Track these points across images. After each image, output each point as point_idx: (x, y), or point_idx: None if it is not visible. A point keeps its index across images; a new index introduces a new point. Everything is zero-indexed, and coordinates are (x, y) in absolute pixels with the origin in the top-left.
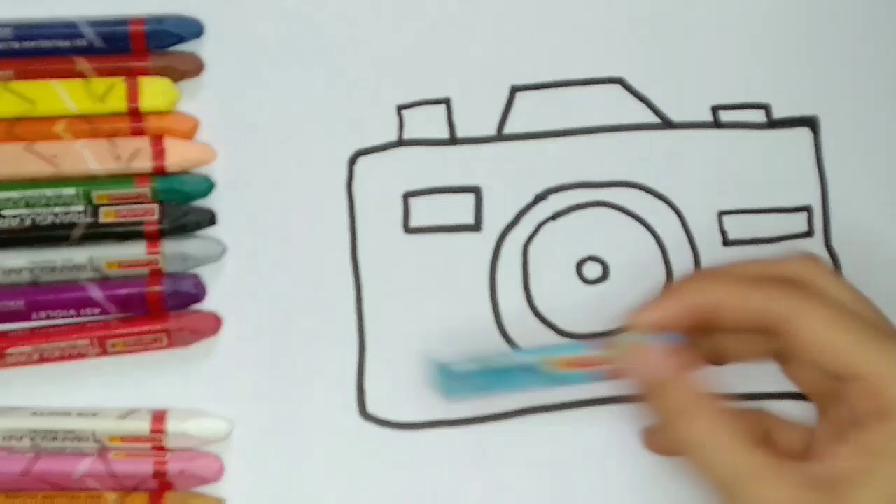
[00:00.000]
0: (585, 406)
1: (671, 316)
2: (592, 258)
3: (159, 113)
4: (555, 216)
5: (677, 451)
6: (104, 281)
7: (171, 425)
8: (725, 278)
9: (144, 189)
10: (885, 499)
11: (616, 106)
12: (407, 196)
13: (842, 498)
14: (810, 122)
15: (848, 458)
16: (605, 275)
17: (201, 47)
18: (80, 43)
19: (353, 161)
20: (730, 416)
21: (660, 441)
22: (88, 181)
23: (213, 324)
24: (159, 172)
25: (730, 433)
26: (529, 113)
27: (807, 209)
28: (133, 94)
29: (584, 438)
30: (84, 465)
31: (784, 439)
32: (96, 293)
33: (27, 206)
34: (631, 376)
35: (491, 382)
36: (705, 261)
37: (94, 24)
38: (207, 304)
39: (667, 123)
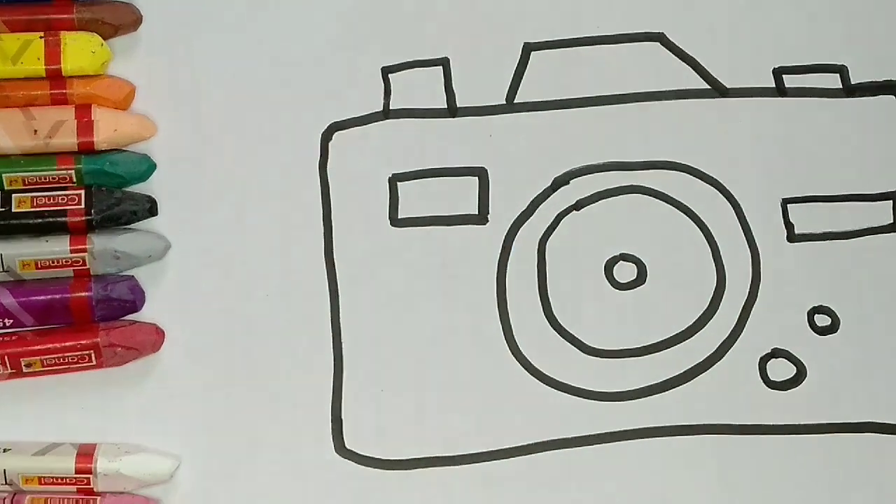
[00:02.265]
0: (612, 440)
1: None
2: (625, 257)
3: (86, 77)
4: (578, 205)
5: None
6: (17, 284)
7: (101, 463)
8: None
9: (68, 171)
10: None
11: (655, 68)
12: (394, 180)
13: None
14: None
15: None
16: (641, 277)
17: None
18: None
19: (327, 137)
20: None
21: None
22: None
23: (153, 338)
24: (86, 150)
25: None
26: (547, 77)
27: (892, 196)
28: (53, 54)
29: (607, 477)
30: None
31: None
32: (7, 299)
33: None
34: None
35: None
36: (767, 261)
37: None
38: (146, 314)
39: (718, 90)
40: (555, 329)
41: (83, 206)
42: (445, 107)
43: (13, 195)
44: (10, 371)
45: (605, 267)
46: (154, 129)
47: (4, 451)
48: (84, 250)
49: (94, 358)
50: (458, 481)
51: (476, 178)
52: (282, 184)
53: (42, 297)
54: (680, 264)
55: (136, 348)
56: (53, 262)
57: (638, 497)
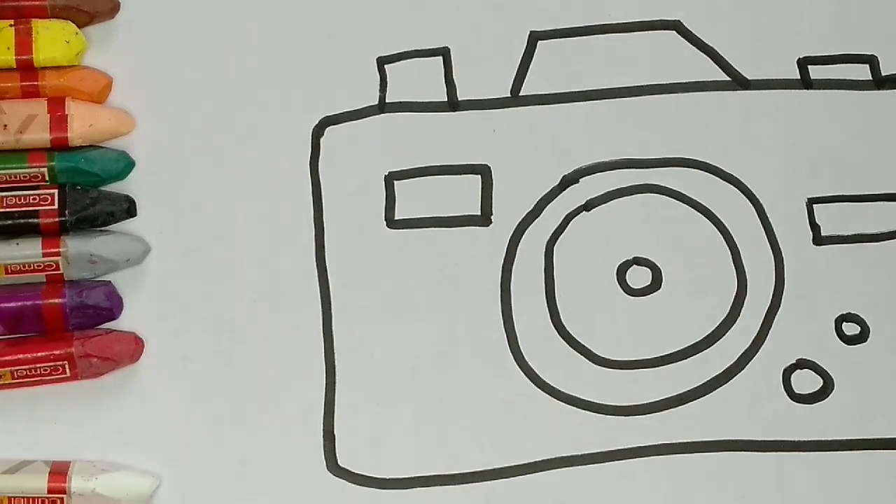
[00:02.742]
0: (625, 458)
1: None
2: (639, 261)
3: (60, 68)
4: (588, 206)
5: None
6: None
7: (76, 482)
8: None
9: (40, 169)
10: None
11: (671, 59)
12: (391, 179)
13: None
14: None
15: None
16: (655, 283)
17: None
18: None
19: (318, 132)
20: None
21: None
22: None
23: (130, 348)
24: (60, 147)
25: None
26: (554, 68)
27: None
28: (24, 44)
29: (619, 498)
30: None
31: None
32: None
33: None
34: None
35: None
36: (791, 265)
37: None
38: (124, 323)
39: (739, 82)
40: (563, 338)
41: (56, 206)
42: (446, 100)
43: None
44: None
45: (617, 271)
46: (132, 123)
47: None
48: (57, 254)
49: (68, 369)
50: (459, 501)
51: (479, 176)
52: (270, 182)
53: (12, 304)
54: (698, 269)
55: (114, 359)
56: (24, 267)
57: None
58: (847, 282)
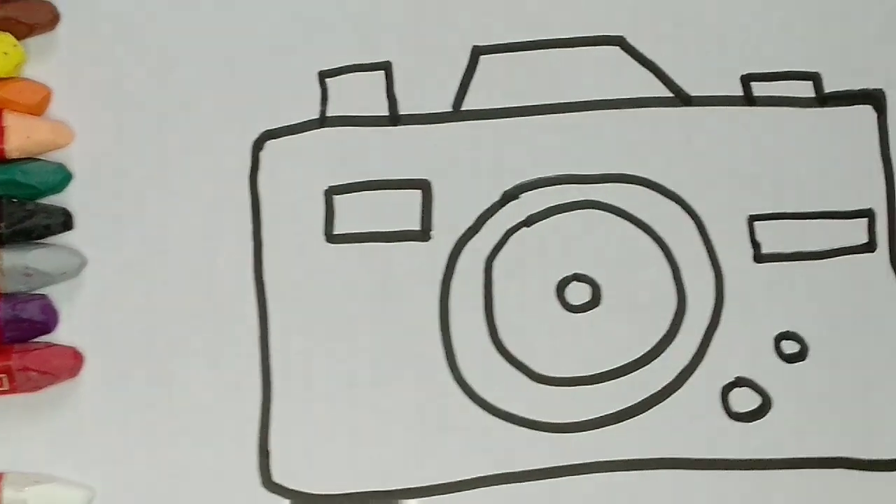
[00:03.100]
0: (562, 475)
1: None
2: (579, 277)
3: None
4: (529, 221)
5: None
6: None
7: (7, 494)
8: None
9: None
10: None
11: (614, 75)
12: (331, 193)
13: None
14: (873, 99)
15: None
16: (595, 299)
17: None
18: None
19: (258, 146)
20: None
21: None
22: None
23: (69, 362)
24: None
25: None
26: (497, 83)
27: (867, 214)
28: None
29: None
30: None
31: None
32: None
33: None
34: None
35: None
36: (731, 282)
37: None
38: (60, 337)
39: (682, 98)
40: (501, 354)
41: None
42: (387, 114)
43: None
44: None
45: (556, 288)
46: (71, 136)
47: None
48: None
49: (6, 382)
50: None
51: (419, 191)
52: (209, 196)
53: None
54: (637, 286)
55: (52, 373)
56: None
57: None
58: (787, 300)
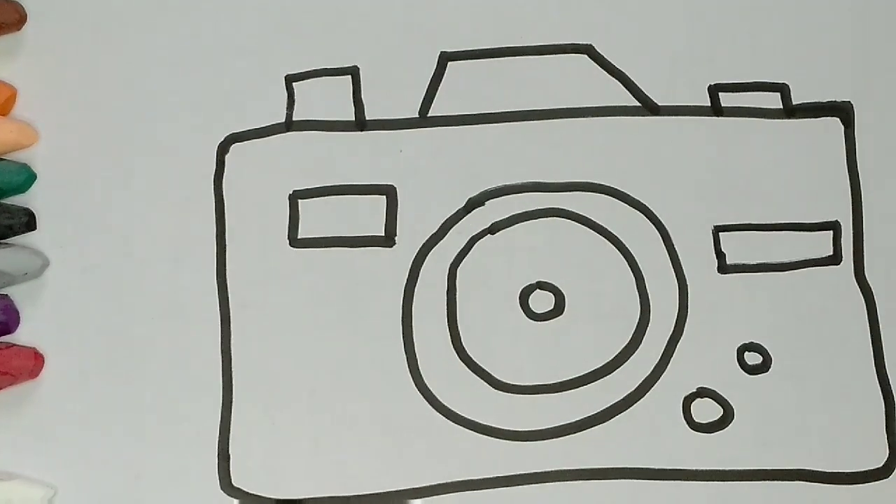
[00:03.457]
0: (523, 483)
1: None
2: (542, 285)
3: None
4: (493, 229)
5: None
6: None
7: None
8: None
9: None
10: None
11: (581, 83)
12: (295, 197)
13: None
14: (841, 111)
15: None
16: (558, 308)
17: None
18: None
19: (223, 149)
20: None
21: None
22: None
23: (29, 363)
24: None
25: None
26: (464, 89)
27: (833, 226)
28: None
29: None
30: None
31: None
32: None
33: None
34: None
35: None
36: (695, 292)
37: None
38: (21, 337)
39: (649, 108)
40: (463, 361)
41: None
42: (353, 119)
43: None
44: None
45: (520, 296)
46: (35, 136)
47: None
48: None
49: None
50: None
51: (384, 196)
52: (173, 198)
53: None
54: (601, 294)
55: (12, 374)
56: None
57: None
58: (750, 311)
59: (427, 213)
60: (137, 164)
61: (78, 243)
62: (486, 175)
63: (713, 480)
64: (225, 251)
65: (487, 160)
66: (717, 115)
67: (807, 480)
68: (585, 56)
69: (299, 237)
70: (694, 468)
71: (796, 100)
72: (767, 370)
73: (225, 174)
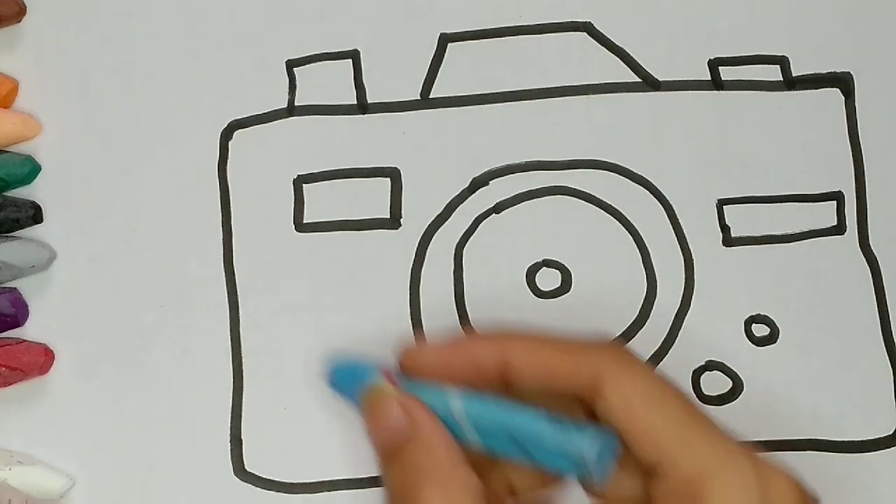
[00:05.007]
0: None
1: (452, 362)
2: (549, 263)
3: None
4: (498, 208)
5: None
6: None
7: None
8: (526, 334)
9: None
10: None
11: (581, 60)
12: (300, 182)
13: None
14: (841, 82)
15: None
16: (565, 285)
17: None
18: None
19: (227, 135)
20: (476, 487)
21: None
22: None
23: (40, 359)
24: None
25: None
26: (465, 70)
27: (836, 197)
28: None
29: None
30: None
31: None
32: None
33: None
34: (368, 431)
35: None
36: (701, 266)
37: None
38: (30, 330)
39: (650, 83)
40: None
41: None
42: (355, 103)
43: None
44: None
45: (526, 274)
46: (39, 128)
47: None
48: None
49: None
50: None
51: (388, 179)
52: (178, 187)
53: None
54: (607, 271)
55: (22, 369)
56: None
57: None
58: (757, 283)
59: (432, 195)
60: (141, 153)
61: (84, 234)
62: (490, 155)
63: None
64: (231, 238)
65: (490, 140)
66: (718, 89)
67: (816, 450)
68: (585, 33)
69: (305, 221)
70: None
71: (796, 72)
72: (775, 342)
73: (229, 161)
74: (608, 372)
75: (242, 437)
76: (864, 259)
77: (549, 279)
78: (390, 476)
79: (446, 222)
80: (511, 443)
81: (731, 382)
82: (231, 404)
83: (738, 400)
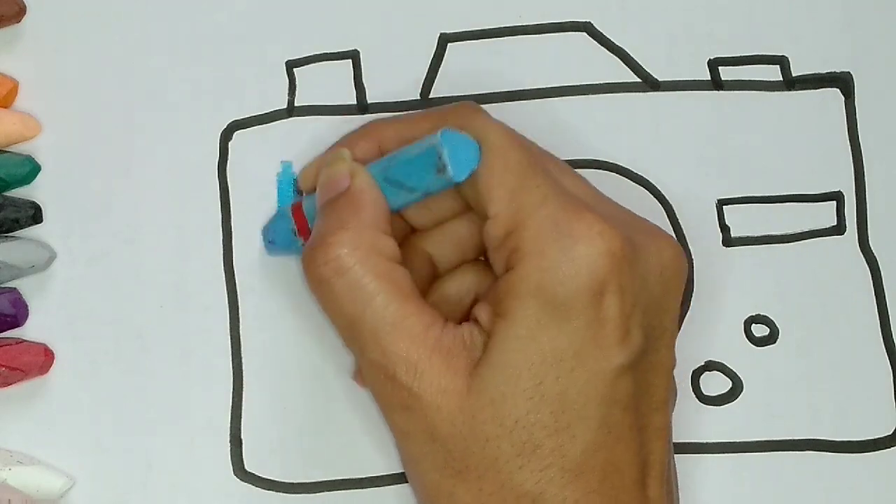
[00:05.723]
0: None
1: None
2: None
3: None
4: None
5: None
6: None
7: None
8: (394, 118)
9: None
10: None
11: (581, 60)
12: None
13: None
14: (841, 82)
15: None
16: None
17: None
18: None
19: (227, 136)
20: (391, 251)
21: None
22: None
23: (41, 359)
24: None
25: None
26: (465, 70)
27: (836, 197)
28: None
29: None
30: None
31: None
32: None
33: None
34: (319, 193)
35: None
36: (701, 265)
37: None
38: (30, 330)
39: (649, 83)
40: None
41: None
42: (355, 102)
43: None
44: None
45: None
46: (38, 128)
47: None
48: None
49: None
50: None
51: None
52: (177, 187)
53: None
54: None
55: (22, 369)
56: None
57: None
58: (756, 283)
59: None
60: (141, 153)
61: (84, 234)
62: None
63: (723, 452)
64: (231, 238)
65: None
66: (718, 89)
67: (816, 450)
68: (584, 34)
69: None
70: (704, 441)
71: (796, 72)
72: (775, 342)
73: (228, 161)
74: (459, 123)
75: (242, 437)
76: (863, 259)
77: None
78: (317, 223)
79: None
80: (395, 186)
81: (730, 382)
82: (231, 404)
83: (737, 400)
